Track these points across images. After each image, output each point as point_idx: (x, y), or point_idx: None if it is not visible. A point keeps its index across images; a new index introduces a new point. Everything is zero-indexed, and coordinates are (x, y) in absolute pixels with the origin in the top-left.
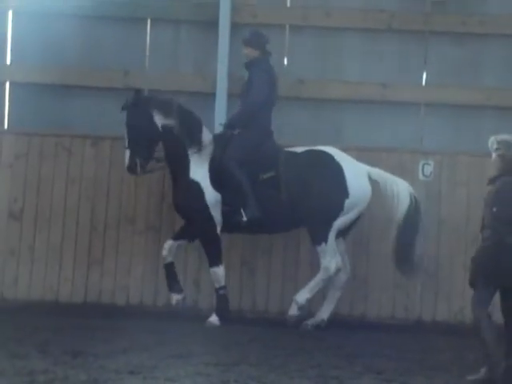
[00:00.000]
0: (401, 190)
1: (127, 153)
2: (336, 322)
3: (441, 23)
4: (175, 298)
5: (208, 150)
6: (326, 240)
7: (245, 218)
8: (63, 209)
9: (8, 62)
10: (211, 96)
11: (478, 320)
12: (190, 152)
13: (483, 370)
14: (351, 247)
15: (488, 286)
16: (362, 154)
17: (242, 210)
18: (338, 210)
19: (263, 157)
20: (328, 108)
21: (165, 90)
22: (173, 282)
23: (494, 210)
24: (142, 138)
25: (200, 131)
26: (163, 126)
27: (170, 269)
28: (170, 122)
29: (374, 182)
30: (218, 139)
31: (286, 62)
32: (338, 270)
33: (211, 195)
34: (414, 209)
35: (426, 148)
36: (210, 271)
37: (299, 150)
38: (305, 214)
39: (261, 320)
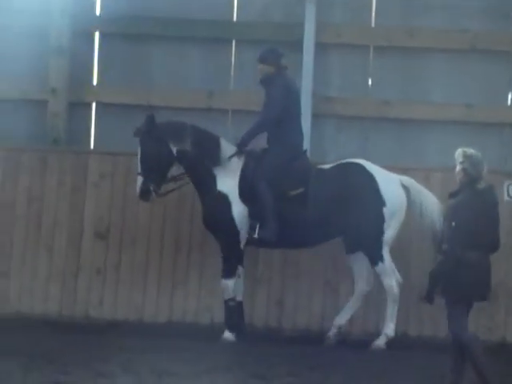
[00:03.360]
0: (430, 203)
1: (139, 179)
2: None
3: None
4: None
5: (236, 164)
6: (381, 259)
7: (256, 236)
8: (148, 229)
9: (95, 82)
10: None
11: (459, 337)
12: (213, 167)
13: None
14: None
15: (455, 301)
16: (446, 175)
17: (257, 227)
18: (380, 220)
19: (293, 174)
20: (412, 129)
21: (249, 110)
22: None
23: (453, 224)
24: (156, 165)
25: (217, 148)
26: (178, 151)
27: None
28: (185, 145)
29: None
30: (249, 153)
31: (370, 82)
32: (400, 286)
33: (239, 208)
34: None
35: (510, 169)
36: (221, 282)
37: (328, 166)
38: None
39: (343, 342)
